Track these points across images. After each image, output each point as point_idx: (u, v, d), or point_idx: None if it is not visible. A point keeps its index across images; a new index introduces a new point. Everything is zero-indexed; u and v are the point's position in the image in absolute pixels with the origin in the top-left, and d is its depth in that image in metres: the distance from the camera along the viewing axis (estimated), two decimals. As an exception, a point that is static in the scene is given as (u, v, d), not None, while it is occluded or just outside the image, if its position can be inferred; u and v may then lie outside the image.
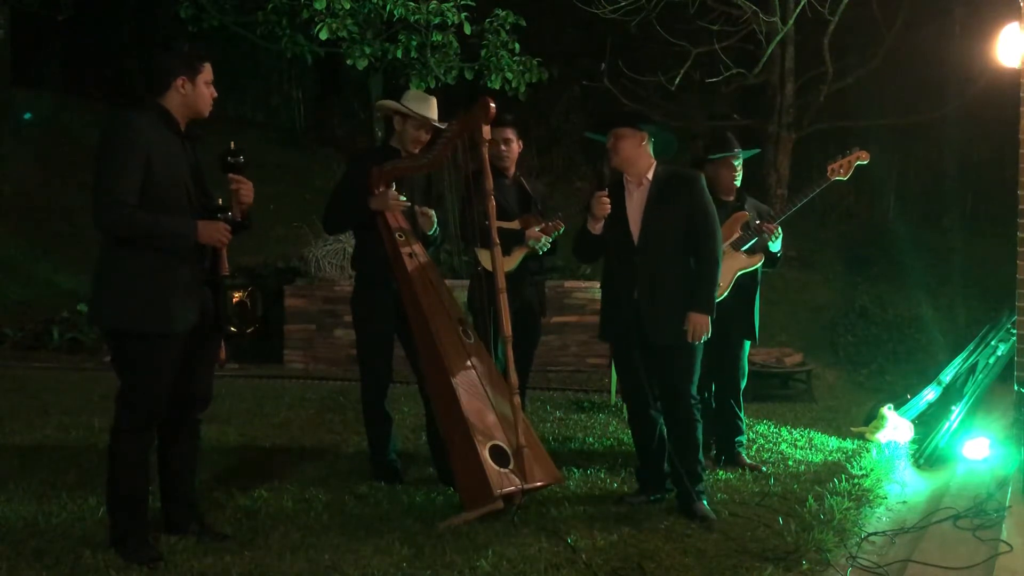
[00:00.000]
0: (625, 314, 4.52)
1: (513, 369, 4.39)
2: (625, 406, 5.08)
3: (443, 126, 4.73)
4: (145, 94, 3.84)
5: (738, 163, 5.41)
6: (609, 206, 4.54)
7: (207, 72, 3.81)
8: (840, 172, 5.35)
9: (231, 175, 3.85)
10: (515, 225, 5.32)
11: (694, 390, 4.53)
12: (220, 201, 3.86)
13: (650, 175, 4.56)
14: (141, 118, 3.70)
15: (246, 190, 3.86)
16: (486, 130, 4.32)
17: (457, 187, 4.78)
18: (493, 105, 4.30)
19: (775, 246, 5.37)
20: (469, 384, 4.48)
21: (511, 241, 5.21)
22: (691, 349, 4.48)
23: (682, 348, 4.47)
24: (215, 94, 3.86)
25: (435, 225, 4.93)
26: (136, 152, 3.62)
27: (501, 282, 4.39)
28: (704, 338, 4.47)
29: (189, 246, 3.71)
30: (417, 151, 4.89)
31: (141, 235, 3.63)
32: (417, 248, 4.80)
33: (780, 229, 5.34)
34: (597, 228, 4.60)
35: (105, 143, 3.67)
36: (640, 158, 4.56)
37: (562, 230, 5.37)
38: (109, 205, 3.60)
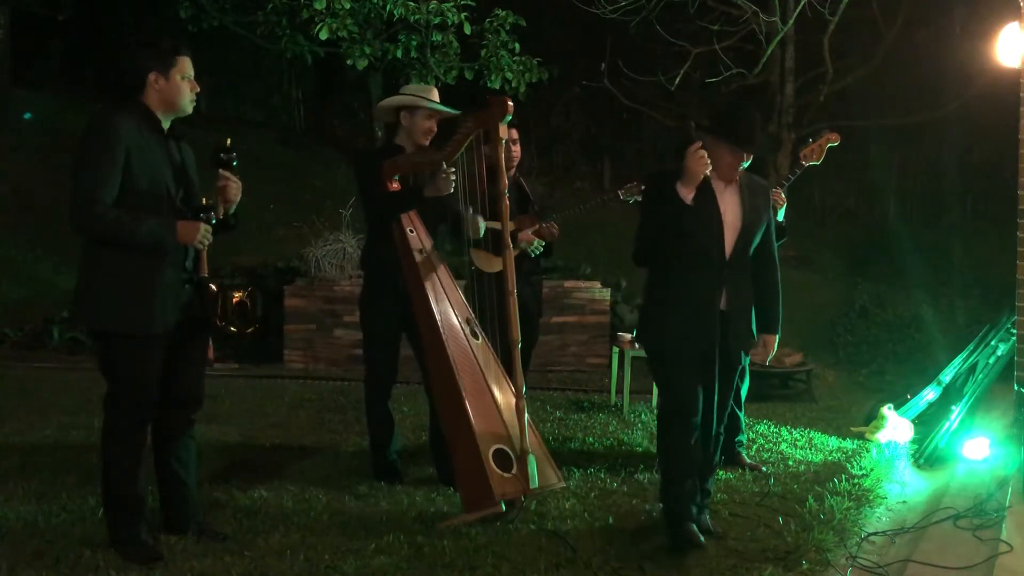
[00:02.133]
0: (709, 325, 4.06)
1: (520, 372, 4.35)
2: (663, 422, 4.24)
3: (455, 112, 4.67)
4: (122, 93, 3.78)
5: None
6: (709, 164, 3.95)
7: (183, 66, 3.72)
8: (813, 157, 5.33)
9: (221, 171, 3.79)
10: (510, 226, 5.28)
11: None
12: (205, 201, 3.79)
13: (737, 176, 4.13)
14: (120, 117, 3.64)
15: (234, 188, 3.80)
16: (502, 128, 4.23)
17: (467, 183, 4.70)
18: (511, 103, 4.19)
19: (780, 215, 5.34)
20: (475, 385, 4.45)
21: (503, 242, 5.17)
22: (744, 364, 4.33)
23: (741, 363, 4.29)
24: (196, 88, 3.78)
25: (482, 232, 4.83)
26: (114, 152, 3.57)
27: (511, 284, 4.35)
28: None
29: (168, 247, 3.67)
30: (427, 142, 4.84)
31: (118, 236, 3.59)
32: (428, 246, 4.76)
33: (784, 195, 5.31)
34: (691, 197, 3.95)
35: (83, 143, 3.63)
36: None
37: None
38: (85, 206, 3.56)
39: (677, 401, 4.13)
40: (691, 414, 4.08)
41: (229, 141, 3.83)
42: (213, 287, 3.88)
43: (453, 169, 4.57)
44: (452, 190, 4.59)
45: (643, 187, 4.30)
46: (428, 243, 4.75)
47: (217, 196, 3.80)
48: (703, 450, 4.19)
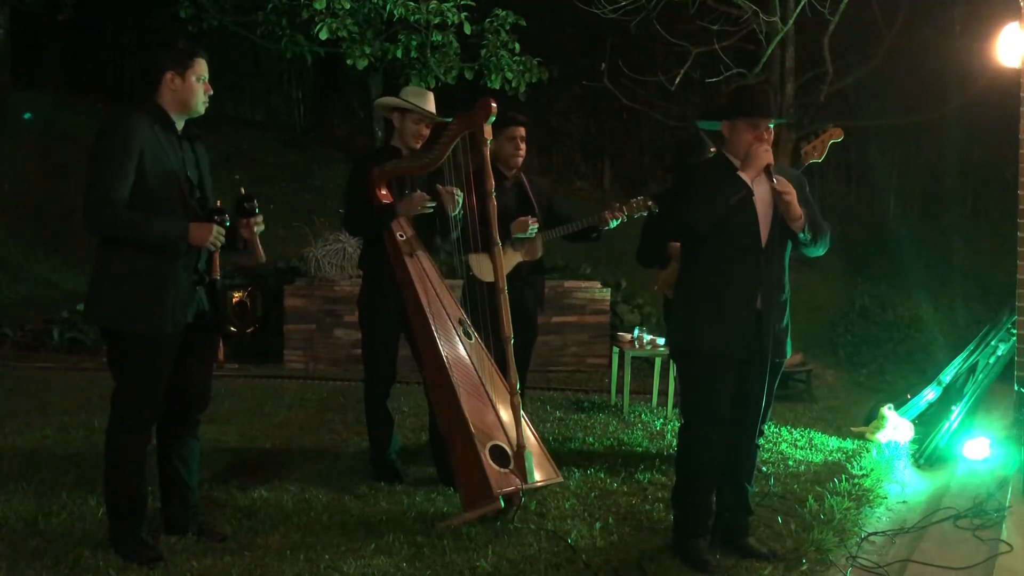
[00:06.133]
0: (746, 326, 3.87)
1: (514, 369, 4.37)
2: (686, 437, 4.00)
3: (444, 120, 4.70)
4: (139, 93, 3.83)
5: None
6: (770, 153, 3.78)
7: (198, 67, 3.75)
8: (815, 154, 5.29)
9: (247, 220, 3.85)
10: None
11: None
12: (219, 203, 3.84)
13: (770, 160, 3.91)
14: (135, 117, 3.66)
15: (256, 229, 3.87)
16: (487, 129, 4.29)
17: (459, 186, 4.74)
18: (494, 104, 4.26)
19: None
20: (470, 384, 4.48)
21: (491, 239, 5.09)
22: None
23: (781, 366, 4.05)
24: (210, 90, 3.81)
25: (459, 206, 4.80)
26: (128, 152, 3.58)
27: (502, 282, 4.37)
28: None
29: (180, 248, 3.68)
30: (418, 146, 4.86)
31: (129, 235, 3.60)
32: (419, 248, 4.79)
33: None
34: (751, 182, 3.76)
35: (98, 142, 3.64)
36: None
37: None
38: (97, 205, 3.57)
39: (704, 426, 3.88)
40: (717, 442, 3.87)
41: (244, 190, 3.89)
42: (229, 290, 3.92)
43: (429, 197, 4.68)
44: (420, 211, 4.68)
45: (671, 183, 4.05)
46: (419, 246, 4.77)
47: (238, 233, 3.86)
48: (747, 459, 4.01)
